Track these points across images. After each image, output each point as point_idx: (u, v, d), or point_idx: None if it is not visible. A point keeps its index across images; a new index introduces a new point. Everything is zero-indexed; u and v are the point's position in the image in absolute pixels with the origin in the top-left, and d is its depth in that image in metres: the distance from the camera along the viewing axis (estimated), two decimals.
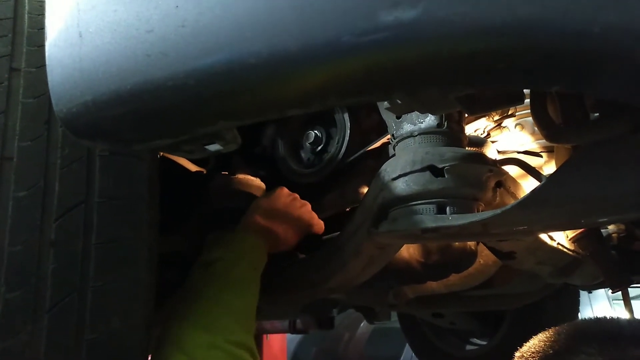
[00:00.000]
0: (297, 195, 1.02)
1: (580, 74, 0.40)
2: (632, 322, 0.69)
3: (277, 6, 0.38)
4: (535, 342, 0.69)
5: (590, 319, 0.73)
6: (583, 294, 2.25)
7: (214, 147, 0.48)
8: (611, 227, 1.27)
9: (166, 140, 0.45)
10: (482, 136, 1.11)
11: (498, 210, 0.71)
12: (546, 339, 0.68)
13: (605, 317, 0.75)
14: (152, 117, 0.42)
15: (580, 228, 1.02)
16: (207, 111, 0.41)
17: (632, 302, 1.62)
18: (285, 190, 1.01)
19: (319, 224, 1.03)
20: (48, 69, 0.44)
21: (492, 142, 1.10)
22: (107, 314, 0.59)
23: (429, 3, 0.37)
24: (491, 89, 0.50)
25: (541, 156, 1.17)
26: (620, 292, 1.25)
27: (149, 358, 0.72)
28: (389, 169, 0.80)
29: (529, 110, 1.18)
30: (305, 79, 0.39)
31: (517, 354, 0.71)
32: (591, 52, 0.38)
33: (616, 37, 0.38)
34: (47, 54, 0.44)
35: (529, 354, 0.68)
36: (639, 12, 0.35)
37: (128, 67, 0.41)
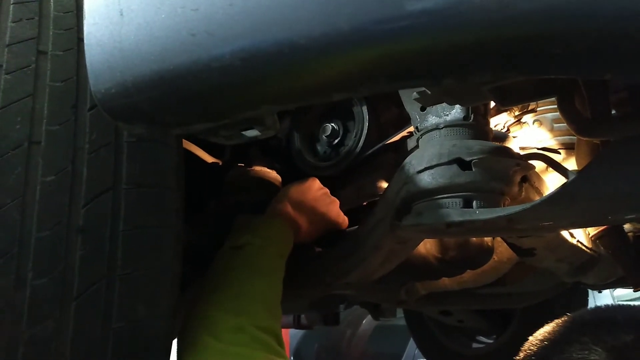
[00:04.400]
0: (327, 191, 1.01)
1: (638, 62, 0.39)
2: (626, 308, 0.69)
3: None
4: (537, 335, 0.69)
5: (587, 309, 0.73)
6: (589, 294, 2.24)
7: (251, 133, 0.47)
8: (627, 226, 1.26)
9: (206, 124, 0.44)
10: (503, 131, 1.10)
11: (527, 205, 0.70)
12: (545, 331, 0.68)
13: (601, 306, 0.74)
14: (194, 99, 0.41)
15: (606, 224, 1.01)
16: (251, 94, 0.40)
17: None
18: (317, 183, 1.00)
19: (344, 223, 1.02)
20: (86, 48, 0.43)
21: (513, 137, 1.09)
22: (134, 301, 0.58)
23: None
24: (538, 77, 0.49)
25: (559, 153, 1.16)
26: (615, 292, 1.24)
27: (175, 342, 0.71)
28: (414, 162, 0.78)
29: (548, 107, 1.18)
30: (356, 61, 0.37)
31: (522, 347, 0.71)
32: None
33: None
34: (85, 32, 0.43)
35: (530, 346, 0.68)
36: None
37: (171, 47, 0.39)
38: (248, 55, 0.38)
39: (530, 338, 0.69)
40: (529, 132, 1.16)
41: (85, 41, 0.43)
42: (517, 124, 1.14)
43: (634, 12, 0.33)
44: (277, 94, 0.40)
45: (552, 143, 1.17)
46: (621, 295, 3.37)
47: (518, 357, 0.68)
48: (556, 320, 0.69)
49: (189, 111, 0.43)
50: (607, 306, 0.72)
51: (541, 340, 0.66)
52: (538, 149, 1.16)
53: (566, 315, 0.69)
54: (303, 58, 0.37)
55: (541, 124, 1.17)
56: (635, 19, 0.34)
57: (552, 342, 0.64)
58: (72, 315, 0.54)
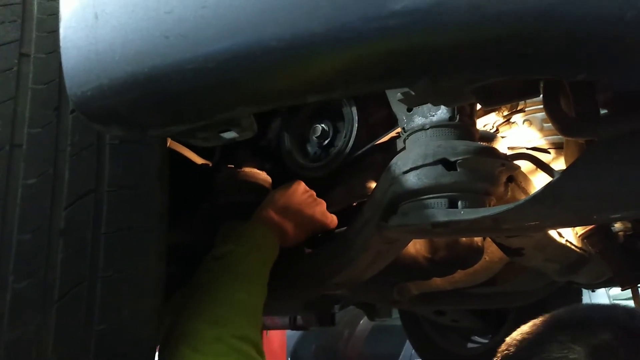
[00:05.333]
0: (313, 193, 1.00)
1: (608, 62, 0.39)
2: (604, 306, 0.69)
3: None
4: (514, 335, 0.69)
5: (565, 307, 0.73)
6: (584, 293, 2.25)
7: (229, 135, 0.47)
8: (617, 225, 1.26)
9: (182, 126, 0.44)
10: (492, 131, 1.10)
11: (511, 205, 0.70)
12: (523, 331, 0.67)
13: (578, 305, 0.74)
14: (169, 101, 0.41)
15: (592, 224, 1.01)
16: (226, 96, 0.40)
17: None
18: (303, 186, 1.00)
19: (332, 223, 1.02)
20: (62, 51, 0.43)
21: (502, 137, 1.09)
22: (117, 304, 0.58)
23: None
24: (512, 78, 0.49)
25: (549, 152, 1.16)
26: (610, 291, 1.25)
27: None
28: (399, 163, 0.79)
29: (537, 107, 1.18)
30: (328, 63, 0.38)
31: (499, 348, 0.71)
32: (622, 40, 0.38)
33: None
34: (61, 35, 0.43)
35: (508, 346, 0.67)
36: None
37: (146, 49, 0.40)
38: (221, 58, 0.38)
39: (507, 339, 0.69)
40: (519, 132, 1.16)
41: (61, 44, 0.43)
42: (506, 124, 1.14)
43: (599, 14, 0.34)
44: (251, 95, 0.40)
45: (542, 143, 1.17)
46: (617, 295, 3.38)
47: (496, 358, 0.68)
48: (533, 320, 0.69)
49: (164, 113, 0.43)
50: (584, 305, 0.72)
51: (520, 341, 0.65)
52: (528, 148, 1.16)
53: (543, 315, 0.69)
54: (275, 60, 0.37)
55: (531, 123, 1.17)
56: (601, 21, 0.34)
57: (530, 342, 0.64)
58: (54, 318, 0.54)
